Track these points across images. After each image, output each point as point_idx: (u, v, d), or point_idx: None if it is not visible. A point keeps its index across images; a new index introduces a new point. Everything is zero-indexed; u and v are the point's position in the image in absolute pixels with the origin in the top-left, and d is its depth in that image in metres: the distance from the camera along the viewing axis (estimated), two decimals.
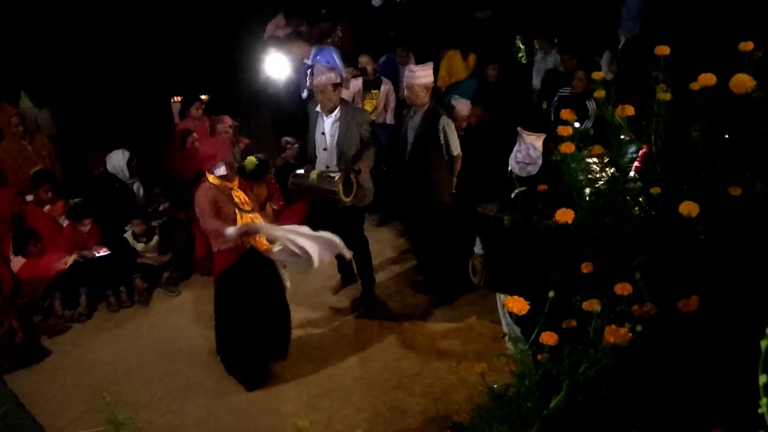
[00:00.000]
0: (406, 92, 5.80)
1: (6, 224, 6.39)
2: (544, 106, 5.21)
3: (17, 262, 6.18)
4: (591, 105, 6.01)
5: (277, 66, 7.80)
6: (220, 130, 7.28)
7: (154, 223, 6.74)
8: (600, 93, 2.43)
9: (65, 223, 6.55)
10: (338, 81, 5.55)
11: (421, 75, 5.56)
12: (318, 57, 7.18)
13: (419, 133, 5.66)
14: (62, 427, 4.73)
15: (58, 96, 8.35)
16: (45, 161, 7.05)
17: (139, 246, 6.58)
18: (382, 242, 7.11)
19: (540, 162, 4.21)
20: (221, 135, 7.18)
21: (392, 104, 7.34)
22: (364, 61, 7.31)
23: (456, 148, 5.65)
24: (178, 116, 7.90)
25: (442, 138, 5.57)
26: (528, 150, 4.18)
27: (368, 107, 7.15)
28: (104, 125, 7.93)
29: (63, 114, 8.41)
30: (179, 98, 8.41)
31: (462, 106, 6.22)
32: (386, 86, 7.28)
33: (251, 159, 6.73)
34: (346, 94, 6.79)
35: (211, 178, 4.67)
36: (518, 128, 4.41)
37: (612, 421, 1.90)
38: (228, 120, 7.36)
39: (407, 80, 5.66)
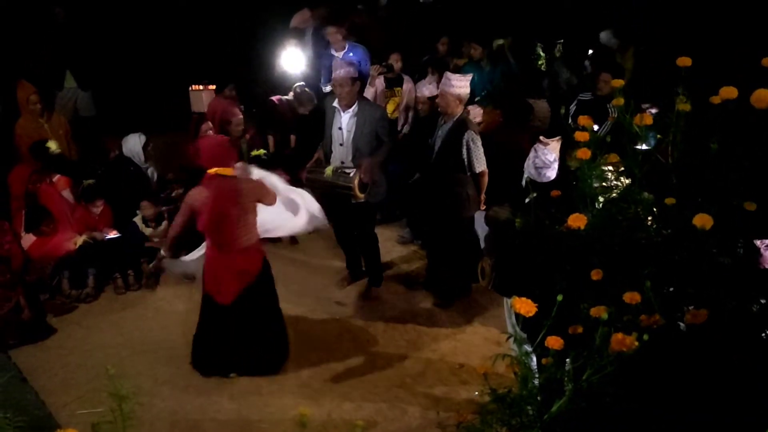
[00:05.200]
0: (438, 99, 5.65)
1: (19, 201, 6.43)
2: (562, 111, 5.14)
3: (28, 240, 6.20)
4: (612, 110, 5.88)
5: (293, 60, 7.80)
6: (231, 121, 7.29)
7: (164, 208, 6.77)
8: (619, 101, 2.42)
9: (69, 197, 6.57)
10: (356, 75, 5.54)
11: (457, 85, 5.42)
12: (351, 54, 7.20)
13: (444, 143, 5.57)
14: (64, 405, 4.74)
15: (103, 79, 8.52)
16: (61, 140, 7.08)
17: (148, 230, 6.60)
18: (392, 240, 7.11)
19: (556, 166, 4.20)
20: (231, 126, 7.20)
21: (412, 103, 7.29)
22: (394, 58, 7.28)
23: (479, 165, 5.51)
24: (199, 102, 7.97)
25: (464, 153, 5.46)
26: (545, 155, 4.17)
27: (391, 106, 7.13)
28: (127, 110, 8.03)
29: (103, 97, 8.61)
30: (197, 87, 8.46)
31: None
32: (408, 84, 7.25)
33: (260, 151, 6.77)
34: (370, 92, 6.80)
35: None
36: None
37: (615, 429, 1.89)
38: (237, 110, 7.36)
39: (441, 87, 5.53)
